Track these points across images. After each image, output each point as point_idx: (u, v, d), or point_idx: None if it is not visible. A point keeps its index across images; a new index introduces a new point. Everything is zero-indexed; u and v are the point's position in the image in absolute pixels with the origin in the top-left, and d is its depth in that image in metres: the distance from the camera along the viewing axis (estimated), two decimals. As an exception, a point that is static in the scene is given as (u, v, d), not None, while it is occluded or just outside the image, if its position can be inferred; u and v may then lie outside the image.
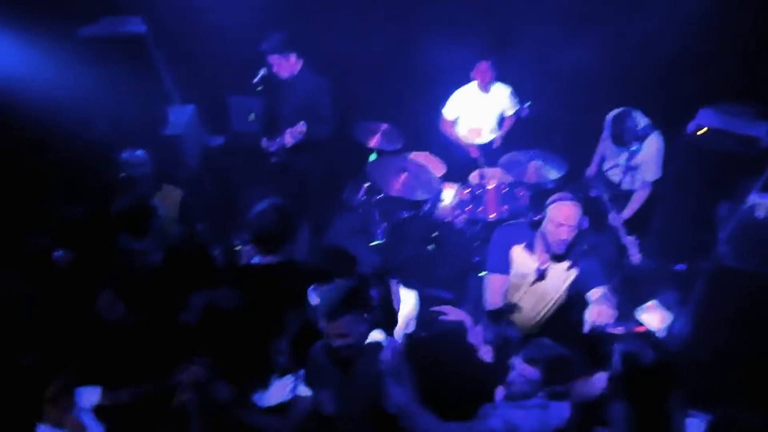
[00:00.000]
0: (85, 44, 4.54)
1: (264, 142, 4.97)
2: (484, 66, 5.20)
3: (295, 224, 3.33)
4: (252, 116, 4.93)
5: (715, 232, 4.32)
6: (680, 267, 5.40)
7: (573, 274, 3.53)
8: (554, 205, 3.42)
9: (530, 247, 3.58)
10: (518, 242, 3.61)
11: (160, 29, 5.04)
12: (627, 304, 5.04)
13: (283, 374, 2.84)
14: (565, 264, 3.52)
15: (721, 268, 3.88)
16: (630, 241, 4.41)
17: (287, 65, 4.61)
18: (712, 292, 4.04)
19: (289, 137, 4.71)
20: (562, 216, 3.36)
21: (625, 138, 4.47)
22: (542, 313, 3.70)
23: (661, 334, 4.74)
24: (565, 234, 3.37)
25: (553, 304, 3.66)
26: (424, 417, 2.68)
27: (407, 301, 3.76)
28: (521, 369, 2.84)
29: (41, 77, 4.22)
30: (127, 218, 3.55)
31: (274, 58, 4.57)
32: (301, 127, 4.63)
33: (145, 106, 4.75)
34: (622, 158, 4.57)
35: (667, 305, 5.02)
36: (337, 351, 2.66)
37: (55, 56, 4.30)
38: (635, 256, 4.39)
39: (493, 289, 3.66)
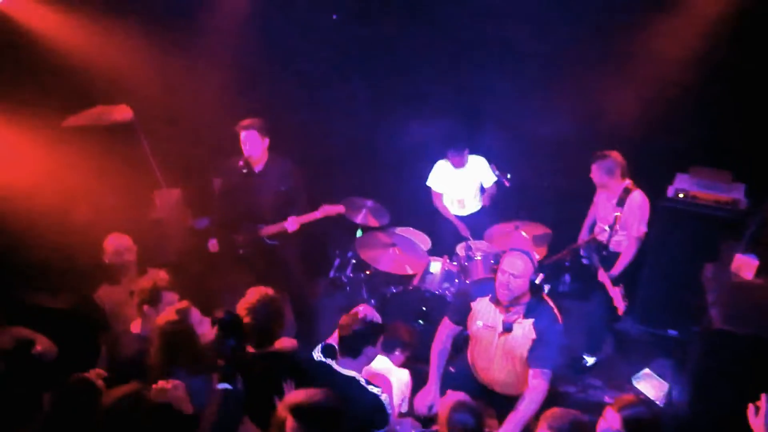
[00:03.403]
0: (73, 132, 4.61)
1: (237, 235, 4.99)
2: (455, 155, 5.32)
3: (285, 316, 3.30)
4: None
5: (702, 295, 4.32)
6: (672, 333, 5.37)
7: (534, 334, 3.54)
8: (508, 252, 3.57)
9: (495, 299, 3.62)
10: (484, 294, 3.69)
11: (146, 115, 5.16)
12: (621, 372, 5.00)
13: None
14: (530, 320, 3.54)
15: (713, 332, 3.86)
16: (615, 292, 4.44)
17: (260, 146, 4.71)
18: (706, 357, 4.00)
19: (294, 223, 4.79)
20: (505, 263, 3.49)
21: (605, 180, 4.65)
22: (514, 370, 3.68)
23: (660, 403, 4.65)
24: (506, 281, 3.47)
25: (522, 360, 3.64)
26: None
27: (401, 379, 3.68)
28: None
29: (27, 166, 4.26)
30: None
31: (251, 134, 4.65)
32: (322, 212, 4.78)
33: (132, 190, 4.77)
34: (610, 217, 4.64)
35: (661, 373, 4.95)
36: None
37: (43, 145, 4.34)
38: (620, 305, 4.41)
39: (441, 330, 3.90)
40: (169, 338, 3.06)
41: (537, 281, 3.50)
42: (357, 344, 3.08)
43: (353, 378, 3.05)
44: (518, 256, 3.49)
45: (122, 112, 5.05)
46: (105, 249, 4.12)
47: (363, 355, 3.11)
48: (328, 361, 3.17)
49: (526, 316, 3.56)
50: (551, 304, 3.64)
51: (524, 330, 3.55)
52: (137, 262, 4.19)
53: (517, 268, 3.45)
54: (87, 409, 2.79)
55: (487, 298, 3.69)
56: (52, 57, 4.77)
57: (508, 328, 3.58)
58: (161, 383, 2.86)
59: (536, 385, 3.45)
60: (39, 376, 2.97)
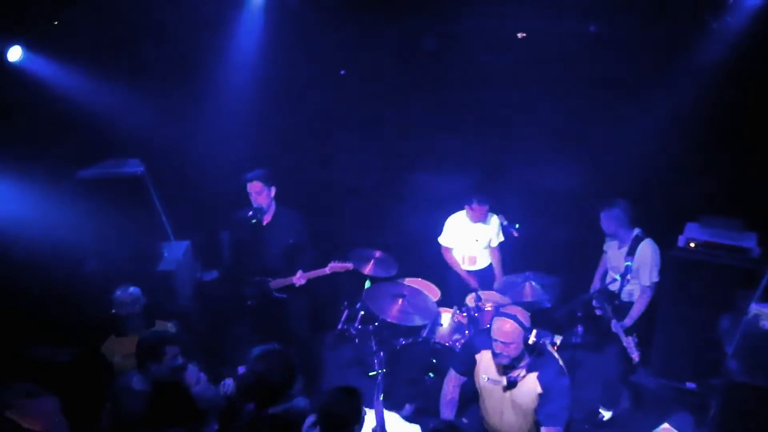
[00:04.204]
0: (85, 185, 4.67)
1: (245, 288, 4.98)
2: (478, 206, 5.29)
3: (297, 374, 3.19)
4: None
5: (719, 346, 4.23)
6: (690, 386, 5.22)
7: (539, 388, 3.48)
8: (494, 319, 3.51)
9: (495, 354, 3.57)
10: (488, 347, 3.63)
11: (157, 168, 5.24)
12: (640, 426, 4.84)
13: None
14: (534, 374, 3.49)
15: (734, 385, 3.76)
16: (629, 342, 4.36)
17: (267, 195, 4.75)
18: (728, 411, 3.88)
19: (302, 278, 4.78)
20: (494, 331, 3.46)
21: (614, 229, 4.62)
22: (524, 424, 3.60)
23: (681, 460, 4.48)
24: (499, 348, 3.44)
25: (531, 415, 3.56)
26: None
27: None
28: None
29: (39, 217, 4.30)
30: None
31: (256, 185, 4.69)
32: (330, 269, 4.77)
33: (141, 242, 4.80)
34: (621, 266, 4.59)
35: (681, 427, 4.79)
36: None
37: (55, 197, 4.40)
38: (634, 354, 4.32)
39: (448, 381, 3.89)
40: (163, 397, 3.01)
41: (530, 341, 3.45)
42: (347, 427, 2.95)
43: None
44: (504, 322, 3.45)
45: (133, 166, 5.13)
46: (113, 300, 4.10)
47: None
48: None
49: (529, 370, 3.52)
50: (556, 356, 3.60)
51: (529, 384, 3.50)
52: (145, 313, 4.16)
53: (506, 335, 3.42)
54: None
55: (490, 352, 3.62)
56: (64, 111, 4.89)
57: (512, 384, 3.54)
58: None
59: None
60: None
